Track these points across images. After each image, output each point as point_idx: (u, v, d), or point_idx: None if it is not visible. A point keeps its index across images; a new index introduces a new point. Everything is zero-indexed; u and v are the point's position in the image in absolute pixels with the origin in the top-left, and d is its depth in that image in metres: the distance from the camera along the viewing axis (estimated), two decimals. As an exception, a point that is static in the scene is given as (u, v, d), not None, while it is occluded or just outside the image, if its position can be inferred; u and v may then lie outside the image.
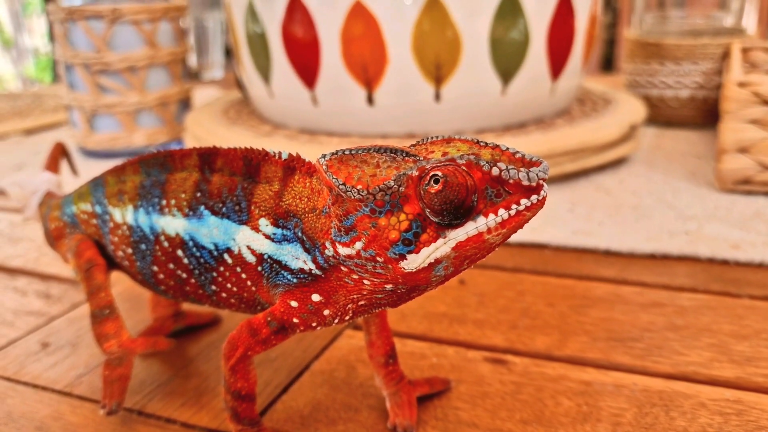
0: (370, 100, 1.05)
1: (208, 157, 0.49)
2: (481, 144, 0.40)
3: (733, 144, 0.95)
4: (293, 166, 0.46)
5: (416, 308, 0.68)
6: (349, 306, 0.44)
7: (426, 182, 0.37)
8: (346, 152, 0.41)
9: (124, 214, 0.53)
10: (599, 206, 0.95)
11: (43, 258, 0.87)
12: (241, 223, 0.47)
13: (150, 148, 1.34)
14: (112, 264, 0.56)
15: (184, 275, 0.50)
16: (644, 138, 1.31)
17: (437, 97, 1.04)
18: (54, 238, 0.60)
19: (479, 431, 0.49)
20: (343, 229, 0.40)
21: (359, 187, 0.39)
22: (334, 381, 0.56)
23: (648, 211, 0.91)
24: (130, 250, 0.52)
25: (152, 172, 0.52)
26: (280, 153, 0.47)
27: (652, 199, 0.96)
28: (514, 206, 0.37)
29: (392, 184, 0.38)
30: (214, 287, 0.49)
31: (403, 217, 0.38)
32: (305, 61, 1.05)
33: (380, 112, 1.06)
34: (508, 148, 0.39)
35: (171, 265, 0.50)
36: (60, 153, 0.72)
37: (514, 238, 0.84)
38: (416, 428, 0.49)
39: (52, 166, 0.69)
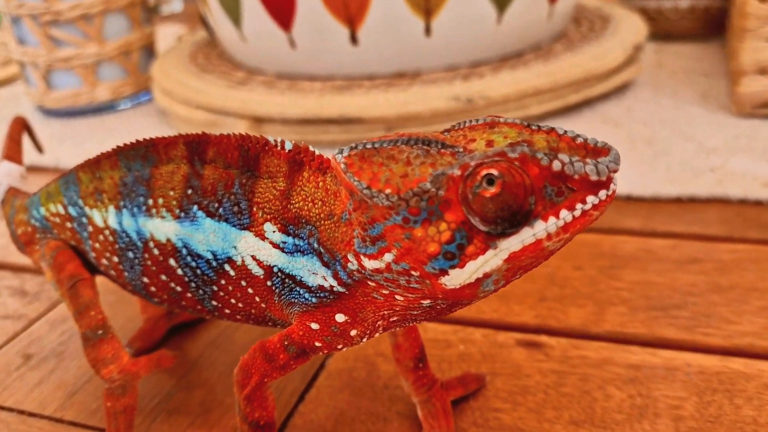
0: (353, 38, 0.95)
1: (197, 146, 0.41)
2: (533, 127, 0.33)
3: (753, 65, 0.88)
4: (300, 159, 0.38)
5: (432, 283, 0.62)
6: (380, 323, 0.37)
7: (475, 184, 0.30)
8: (368, 146, 0.33)
9: (105, 217, 0.45)
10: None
11: (12, 245, 0.78)
12: (243, 228, 0.39)
13: (118, 104, 1.24)
14: (94, 270, 0.49)
15: (179, 288, 0.43)
16: (644, 56, 1.23)
17: (427, 30, 0.94)
18: (23, 244, 0.52)
19: (526, 438, 0.44)
20: (368, 239, 0.33)
21: (388, 191, 0.31)
22: (354, 383, 0.50)
23: (665, 145, 0.85)
24: (116, 259, 0.45)
25: (134, 166, 0.44)
26: (282, 142, 0.39)
27: (666, 129, 0.90)
28: (579, 206, 0.30)
29: (429, 186, 0.31)
30: (215, 302, 0.42)
31: (444, 226, 0.31)
32: (279, 1, 0.94)
33: (365, 52, 0.96)
34: (566, 132, 0.32)
35: (163, 277, 0.43)
36: (20, 133, 0.61)
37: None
38: (456, 441, 0.44)
39: (13, 152, 0.59)
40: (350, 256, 0.35)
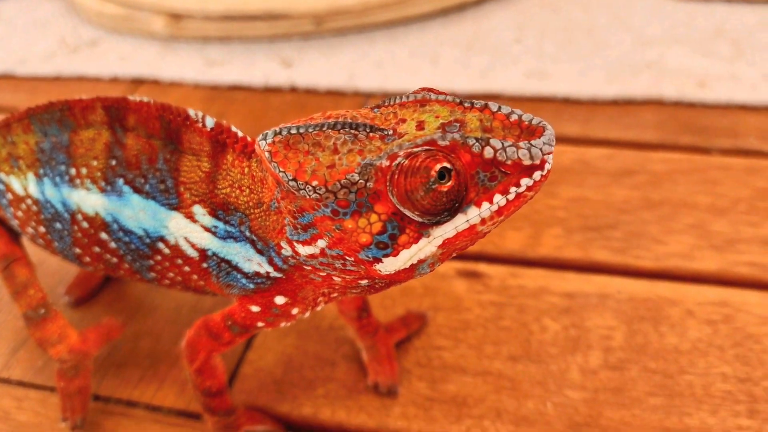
0: None
1: (116, 112, 0.39)
2: (465, 105, 0.31)
3: (696, -54, 0.85)
4: (223, 140, 0.36)
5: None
6: (320, 299, 0.38)
7: (429, 180, 0.29)
8: (293, 131, 0.31)
9: (25, 185, 0.42)
10: (548, 32, 0.85)
11: None
12: (171, 207, 0.38)
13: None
14: (16, 234, 0.47)
15: (115, 260, 0.41)
16: None
17: None
18: None
19: (468, 375, 0.46)
20: (300, 227, 0.32)
21: (315, 183, 0.30)
22: (299, 325, 0.51)
23: (604, 36, 0.83)
24: (42, 229, 0.43)
25: (49, 131, 0.41)
26: (203, 117, 0.37)
27: (605, 16, 0.87)
28: (513, 189, 0.30)
29: (357, 178, 0.30)
30: (152, 274, 0.41)
31: (374, 218, 0.30)
32: None
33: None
34: (500, 108, 0.31)
35: (96, 249, 0.41)
36: None
37: (464, 88, 0.76)
38: (399, 384, 0.46)
39: None
40: (283, 243, 0.34)
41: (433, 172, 0.29)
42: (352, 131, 0.31)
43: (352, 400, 0.45)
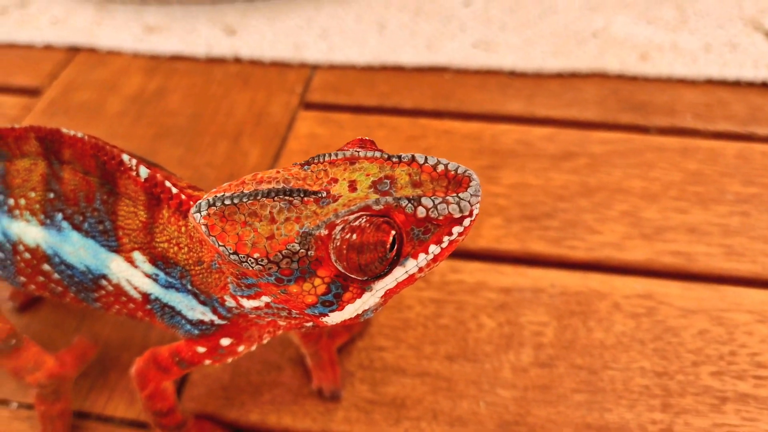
0: None
1: (51, 144, 0.39)
2: (394, 160, 0.32)
3: None
4: (157, 195, 0.36)
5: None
6: (266, 335, 0.39)
7: (376, 259, 0.30)
8: (227, 202, 0.32)
9: None
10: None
11: None
12: (111, 250, 0.38)
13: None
14: None
15: (60, 289, 0.42)
16: None
17: None
18: None
19: (407, 376, 0.49)
20: (243, 285, 0.33)
21: (256, 255, 0.31)
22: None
23: (552, 0, 0.82)
24: None
25: None
26: (137, 165, 0.36)
27: (554, -25, 0.86)
28: (446, 238, 0.31)
29: (298, 248, 0.31)
30: (98, 304, 0.42)
31: (318, 281, 0.32)
32: None
33: None
34: (426, 160, 0.32)
35: (41, 278, 0.42)
36: None
37: (410, 61, 0.75)
38: (342, 388, 0.48)
39: None
40: (227, 297, 0.35)
41: (388, 245, 0.30)
42: (287, 197, 0.31)
43: (297, 405, 0.48)
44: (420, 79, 0.74)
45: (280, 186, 0.32)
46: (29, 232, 0.40)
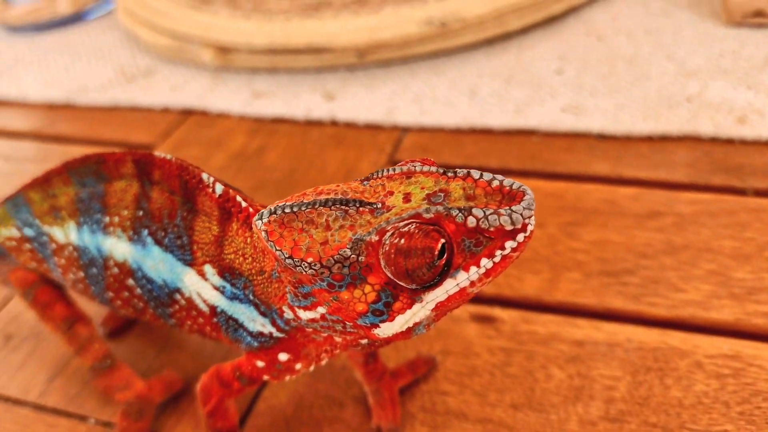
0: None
1: (144, 166, 0.43)
2: (449, 175, 0.33)
3: (745, -28, 0.82)
4: (229, 209, 0.39)
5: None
6: (323, 355, 0.40)
7: (423, 265, 0.31)
8: (287, 210, 0.34)
9: (67, 233, 0.46)
10: (591, 62, 0.85)
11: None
12: (186, 263, 0.41)
13: (83, 15, 1.20)
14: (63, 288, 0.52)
15: (141, 305, 0.45)
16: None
17: (399, -54, 0.88)
18: None
19: (469, 422, 0.48)
20: (300, 295, 0.35)
21: (310, 260, 0.32)
22: (318, 369, 0.53)
23: (645, 67, 0.82)
24: (81, 274, 0.47)
25: (87, 182, 0.45)
26: (214, 183, 0.40)
27: (649, 44, 0.86)
28: (498, 252, 0.31)
29: (349, 253, 0.32)
30: (173, 320, 0.45)
31: (368, 288, 0.32)
32: None
33: (336, -29, 0.91)
34: (481, 176, 0.32)
35: (125, 293, 0.45)
36: None
37: (499, 124, 0.77)
38: (401, 427, 0.48)
39: None
40: (285, 308, 0.37)
41: (436, 252, 0.30)
42: (343, 207, 0.33)
43: (355, 441, 0.48)
44: (507, 141, 0.75)
45: (338, 197, 0.33)
46: (119, 247, 0.44)
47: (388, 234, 0.31)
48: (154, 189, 0.42)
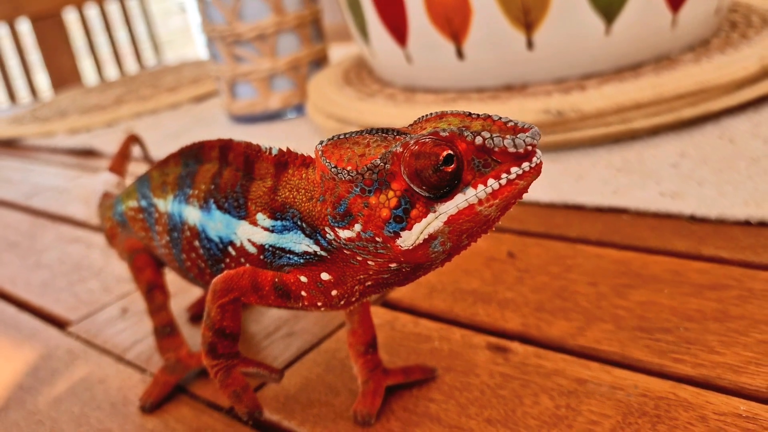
0: (459, 53, 1.00)
1: (225, 150, 0.52)
2: (473, 116, 0.40)
3: None
4: (285, 161, 0.47)
5: (448, 283, 0.66)
6: (356, 287, 0.44)
7: (438, 163, 0.37)
8: (341, 136, 0.42)
9: (166, 204, 0.56)
10: (712, 159, 0.82)
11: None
12: (240, 218, 0.49)
13: (285, 113, 1.42)
14: (161, 264, 0.62)
15: (203, 265, 0.53)
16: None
17: (530, 44, 0.95)
18: (110, 237, 0.67)
19: (441, 427, 0.47)
20: (338, 216, 0.41)
21: (349, 168, 0.40)
22: (332, 361, 0.57)
23: (767, 165, 0.77)
24: (167, 238, 0.56)
25: (189, 163, 0.55)
26: (270, 149, 0.48)
27: (785, 148, 0.81)
28: (504, 175, 0.37)
29: (378, 162, 0.39)
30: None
31: (391, 194, 0.39)
32: (393, 17, 1.03)
33: (471, 66, 1.00)
34: (500, 118, 0.39)
35: (193, 255, 0.53)
36: (129, 148, 0.76)
37: (592, 202, 0.77)
38: (375, 417, 0.49)
39: (117, 165, 0.75)
40: (327, 229, 0.43)
41: (441, 157, 0.37)
42: (384, 134, 0.41)
43: (333, 423, 0.50)
44: (596, 218, 0.75)
45: (382, 127, 0.41)
46: (192, 214, 0.53)
47: (410, 144, 0.38)
48: (227, 169, 0.51)
